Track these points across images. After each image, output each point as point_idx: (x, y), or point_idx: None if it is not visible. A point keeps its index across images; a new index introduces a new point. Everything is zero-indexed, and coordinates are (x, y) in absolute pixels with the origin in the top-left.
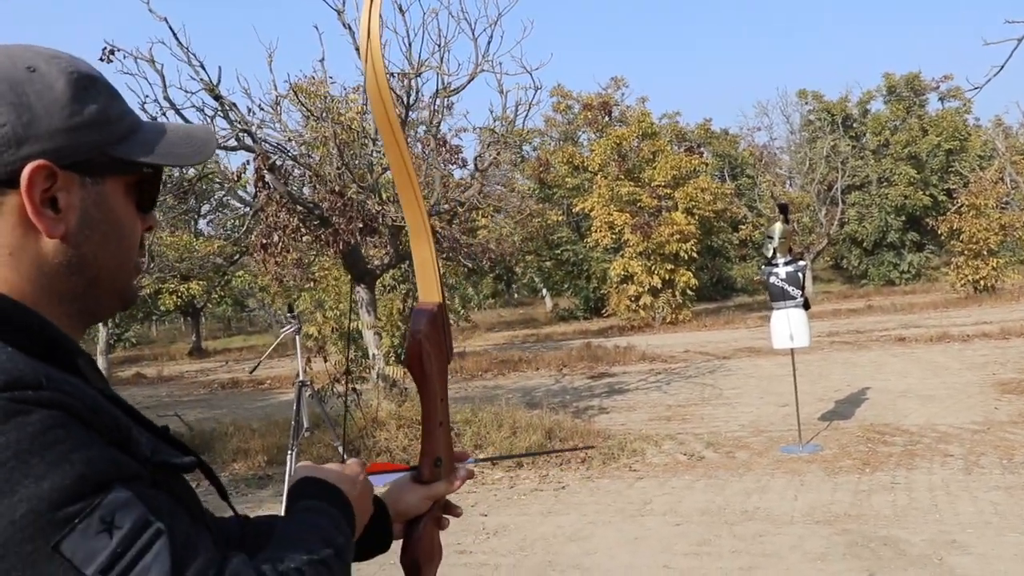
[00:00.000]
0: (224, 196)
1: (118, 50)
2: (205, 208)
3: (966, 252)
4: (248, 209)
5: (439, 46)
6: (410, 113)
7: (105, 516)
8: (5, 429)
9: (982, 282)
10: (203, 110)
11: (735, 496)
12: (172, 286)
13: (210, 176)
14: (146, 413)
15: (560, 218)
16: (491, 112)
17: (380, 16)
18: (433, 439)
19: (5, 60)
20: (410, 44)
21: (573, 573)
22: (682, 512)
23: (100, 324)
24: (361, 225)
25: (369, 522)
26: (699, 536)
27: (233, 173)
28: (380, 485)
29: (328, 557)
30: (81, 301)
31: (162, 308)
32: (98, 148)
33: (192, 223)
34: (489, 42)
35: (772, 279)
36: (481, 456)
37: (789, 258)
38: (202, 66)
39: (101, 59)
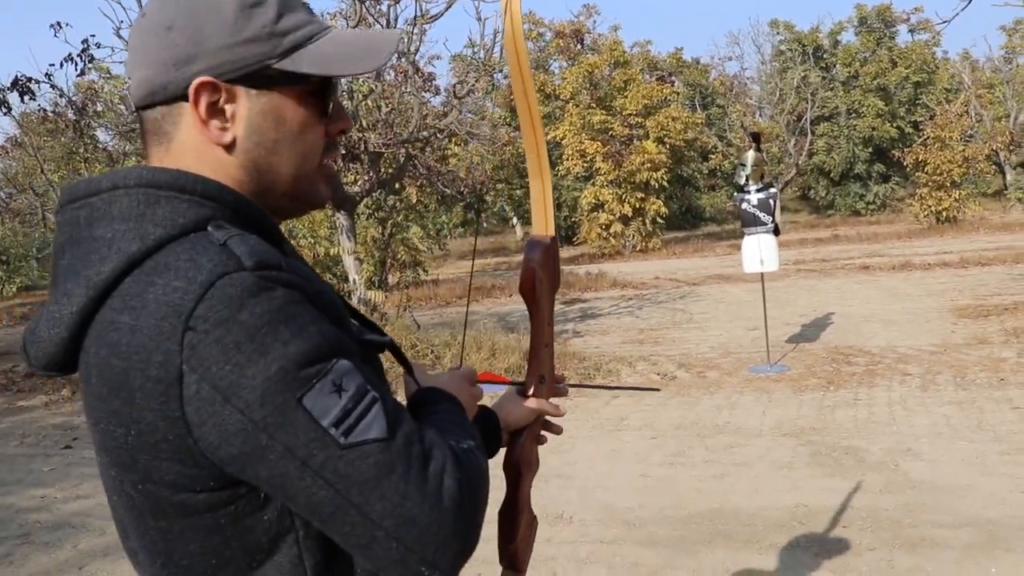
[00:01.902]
0: None
1: None
2: None
3: (930, 184)
4: None
5: None
6: None
7: (335, 379)
8: (258, 301)
9: (944, 213)
10: None
11: (706, 412)
12: None
13: None
14: None
15: None
16: (470, 40)
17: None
18: (539, 358)
19: None
20: None
21: (556, 481)
22: (656, 427)
23: None
24: (343, 151)
25: (483, 429)
26: (673, 448)
27: None
28: (487, 392)
29: (480, 445)
30: (263, 200)
31: None
32: (262, 62)
33: None
34: None
35: (744, 205)
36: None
37: (760, 185)
38: None
39: None
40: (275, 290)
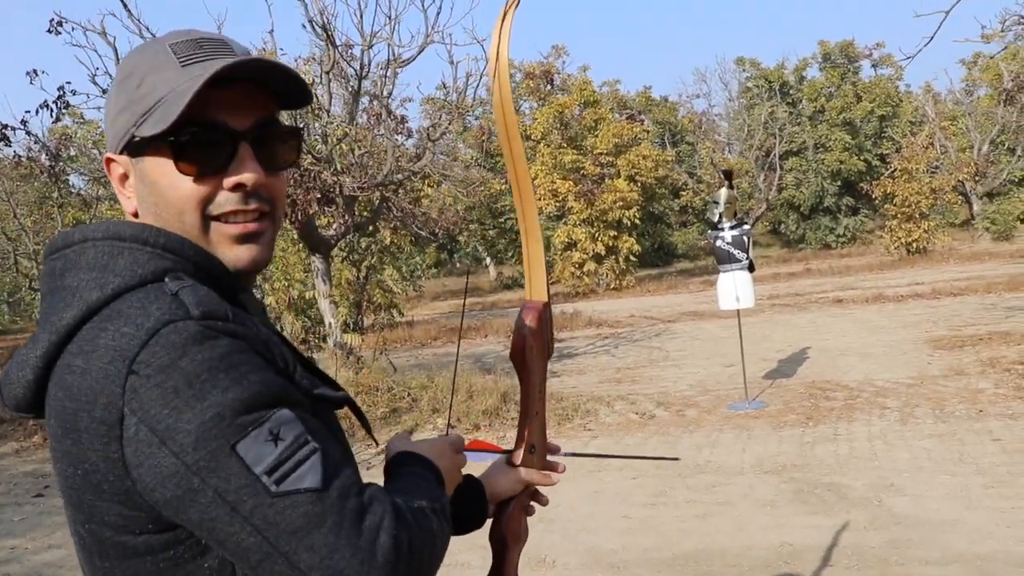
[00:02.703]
0: None
1: (67, 21)
2: None
3: (899, 216)
4: None
5: (390, 18)
6: (363, 84)
7: (272, 428)
8: (200, 349)
9: (914, 244)
10: None
11: (687, 450)
12: None
13: None
14: None
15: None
16: (443, 84)
17: (509, 36)
18: (530, 427)
19: (119, 72)
20: (362, 16)
21: (539, 525)
22: (637, 467)
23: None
24: (319, 195)
25: (468, 499)
26: (655, 488)
27: None
28: (476, 461)
29: (442, 508)
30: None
31: None
32: (128, 131)
33: None
34: (438, 13)
35: (718, 243)
36: (567, 451)
37: (734, 222)
38: (154, 37)
39: (49, 31)
40: (219, 339)
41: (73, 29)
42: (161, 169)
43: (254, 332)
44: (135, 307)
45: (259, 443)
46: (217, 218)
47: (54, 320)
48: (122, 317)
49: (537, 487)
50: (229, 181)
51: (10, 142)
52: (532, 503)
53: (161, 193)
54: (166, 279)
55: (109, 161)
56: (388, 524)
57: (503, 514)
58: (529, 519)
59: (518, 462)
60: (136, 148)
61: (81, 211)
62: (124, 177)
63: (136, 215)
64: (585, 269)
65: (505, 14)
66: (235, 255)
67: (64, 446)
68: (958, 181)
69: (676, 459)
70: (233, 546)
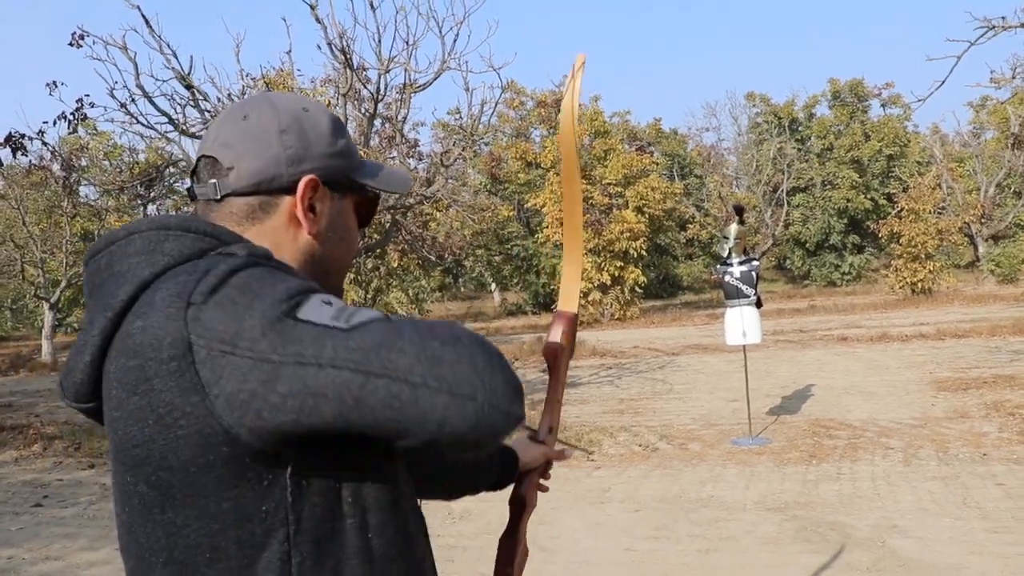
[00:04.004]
0: (179, 183)
1: (88, 35)
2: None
3: (905, 255)
4: None
5: (407, 43)
6: (378, 107)
7: (322, 299)
8: (247, 271)
9: (919, 284)
10: (174, 98)
11: (690, 485)
12: None
13: (178, 163)
14: None
15: (511, 213)
16: (458, 110)
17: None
18: (553, 413)
19: (289, 103)
20: (380, 40)
21: (540, 555)
22: (640, 499)
23: (47, 310)
24: None
25: (508, 461)
26: (657, 521)
27: None
28: None
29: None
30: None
31: None
32: (344, 172)
33: (142, 209)
34: (455, 40)
35: (727, 278)
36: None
37: (743, 258)
38: (174, 55)
39: (71, 44)
40: (262, 265)
41: (95, 43)
42: (351, 213)
43: (297, 274)
44: (187, 269)
45: (316, 306)
46: None
47: (108, 300)
48: (176, 277)
49: (551, 461)
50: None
51: (27, 152)
52: (545, 477)
53: (350, 231)
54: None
55: (313, 183)
56: (456, 326)
57: (524, 482)
58: (531, 550)
59: (542, 439)
60: (342, 188)
61: (90, 221)
62: (310, 201)
63: (317, 235)
64: (590, 298)
65: (575, 71)
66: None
67: (131, 406)
68: (964, 223)
69: (589, 453)
70: (332, 391)
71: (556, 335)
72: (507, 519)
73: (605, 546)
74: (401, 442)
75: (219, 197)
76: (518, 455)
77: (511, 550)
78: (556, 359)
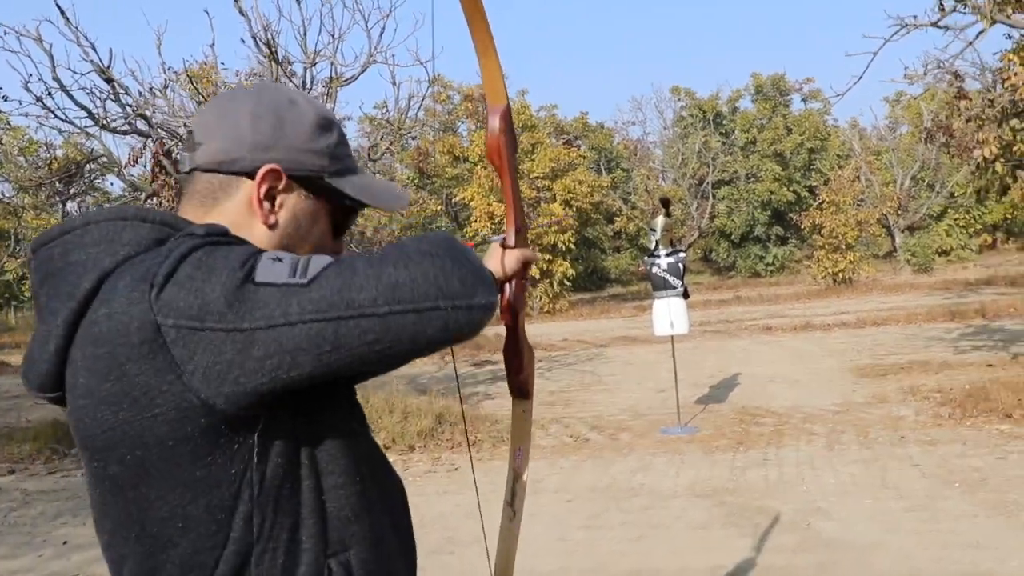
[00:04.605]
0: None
1: (1, 26)
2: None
3: (826, 246)
4: (128, 193)
5: (333, 36)
6: None
7: (272, 256)
8: (204, 250)
9: (840, 275)
10: (94, 92)
11: (621, 474)
12: None
13: (98, 159)
14: (10, 404)
15: (439, 208)
16: (386, 104)
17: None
18: (515, 213)
19: (277, 92)
20: (305, 33)
21: (474, 547)
22: (572, 490)
23: None
24: None
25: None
26: (590, 511)
27: (129, 157)
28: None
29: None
30: None
31: (27, 294)
32: (318, 173)
33: (60, 206)
34: (381, 34)
35: (654, 269)
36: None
37: (670, 249)
38: (93, 47)
39: None
40: (217, 242)
41: (6, 33)
42: (324, 218)
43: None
44: (149, 256)
45: (269, 265)
46: None
47: (69, 290)
48: (136, 266)
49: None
50: (336, 247)
51: None
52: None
53: (317, 234)
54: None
55: (274, 172)
56: (404, 244)
57: (508, 290)
58: (465, 543)
59: (512, 243)
60: (316, 188)
61: (6, 219)
62: (270, 191)
63: (273, 226)
64: None
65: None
66: None
67: (100, 394)
68: (882, 214)
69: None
70: (307, 341)
71: (494, 135)
72: (504, 330)
73: (540, 535)
74: (386, 367)
75: (187, 170)
76: (494, 272)
77: (518, 357)
78: (500, 155)
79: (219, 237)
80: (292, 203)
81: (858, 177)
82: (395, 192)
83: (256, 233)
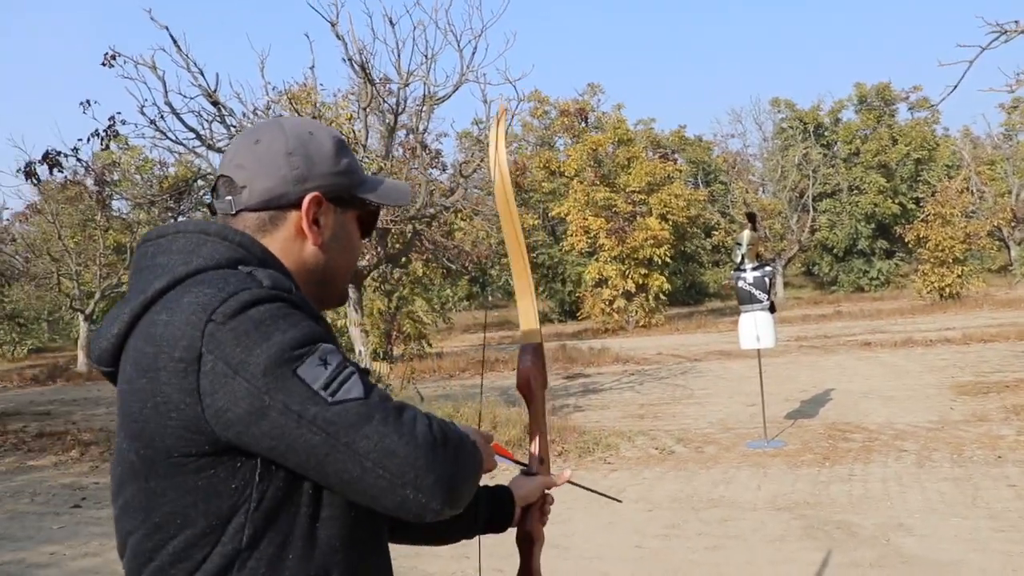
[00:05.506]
0: (207, 196)
1: (119, 55)
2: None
3: (932, 260)
4: None
5: (426, 57)
6: (399, 119)
7: (321, 356)
8: (267, 305)
9: (947, 289)
10: (201, 114)
11: (702, 486)
12: None
13: (206, 177)
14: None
15: (536, 222)
16: (476, 123)
17: (507, 131)
18: (540, 443)
19: (297, 127)
20: (399, 55)
21: (553, 551)
22: (653, 500)
23: (82, 321)
24: None
25: (504, 501)
26: (668, 520)
27: None
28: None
29: (471, 440)
30: (316, 293)
31: None
32: (347, 189)
33: (172, 222)
34: (473, 53)
35: (740, 283)
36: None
37: (757, 263)
38: (201, 72)
39: (103, 64)
40: (282, 301)
41: (125, 63)
42: (354, 226)
43: (309, 307)
44: (216, 278)
45: (313, 367)
46: None
47: (144, 287)
48: (204, 284)
49: (548, 491)
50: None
51: (62, 168)
52: (546, 510)
53: (352, 242)
54: (239, 266)
55: (317, 199)
56: (422, 418)
57: (527, 518)
58: (546, 547)
59: (535, 471)
60: (345, 203)
61: (123, 234)
62: (315, 215)
63: (322, 246)
64: (615, 306)
65: (499, 120)
66: (347, 293)
67: (138, 385)
68: (995, 226)
69: (619, 501)
70: (302, 445)
71: (525, 368)
72: (518, 557)
73: (616, 542)
74: (341, 493)
75: (234, 212)
76: (513, 492)
77: None
78: (530, 390)
79: (283, 293)
80: (331, 221)
81: (968, 188)
82: (401, 189)
83: (306, 252)
